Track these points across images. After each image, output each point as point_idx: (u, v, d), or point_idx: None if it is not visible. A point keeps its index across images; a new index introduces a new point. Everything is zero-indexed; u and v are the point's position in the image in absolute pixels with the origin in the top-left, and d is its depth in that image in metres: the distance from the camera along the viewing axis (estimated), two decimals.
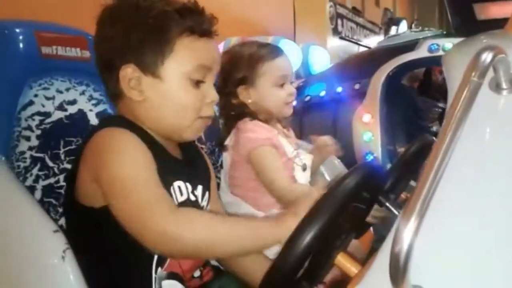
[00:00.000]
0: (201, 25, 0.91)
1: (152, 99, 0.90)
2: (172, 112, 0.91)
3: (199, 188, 1.00)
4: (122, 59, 0.89)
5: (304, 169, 1.41)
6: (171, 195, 0.90)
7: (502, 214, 0.58)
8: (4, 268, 0.84)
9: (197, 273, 0.99)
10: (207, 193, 1.03)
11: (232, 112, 1.39)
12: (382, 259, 0.58)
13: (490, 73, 0.63)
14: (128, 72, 0.88)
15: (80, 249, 0.83)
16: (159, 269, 0.90)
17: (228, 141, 1.39)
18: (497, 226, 0.58)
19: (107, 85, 0.95)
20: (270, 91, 1.37)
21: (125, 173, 0.81)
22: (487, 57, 0.57)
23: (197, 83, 0.92)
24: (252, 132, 1.34)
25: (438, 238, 0.57)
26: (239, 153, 1.34)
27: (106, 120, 0.99)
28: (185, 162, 1.00)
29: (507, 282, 0.55)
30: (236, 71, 1.38)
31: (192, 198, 0.96)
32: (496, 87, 0.65)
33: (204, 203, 1.01)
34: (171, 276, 0.92)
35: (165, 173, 0.88)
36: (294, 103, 1.45)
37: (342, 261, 0.82)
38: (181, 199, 0.93)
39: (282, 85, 1.39)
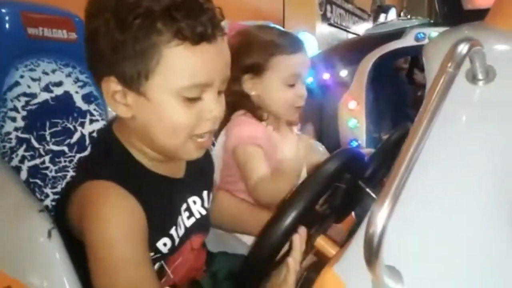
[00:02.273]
0: (194, 29, 0.71)
1: (140, 117, 0.76)
2: (162, 132, 0.77)
3: (206, 195, 0.96)
4: (104, 68, 0.74)
5: None
6: (171, 238, 0.85)
7: (476, 198, 0.61)
8: None
9: None
10: (211, 194, 1.00)
11: (229, 99, 1.29)
12: (358, 241, 0.61)
13: (468, 65, 0.66)
14: (111, 86, 0.74)
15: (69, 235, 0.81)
16: None
17: (220, 136, 1.30)
18: (469, 210, 0.61)
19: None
20: (277, 89, 1.25)
21: (109, 250, 0.73)
22: (463, 48, 0.59)
23: (192, 100, 0.75)
24: (240, 126, 1.24)
25: (412, 220, 0.60)
26: (227, 150, 1.27)
27: (98, 163, 0.82)
28: (189, 176, 0.91)
29: (480, 263, 0.58)
30: (245, 55, 1.23)
31: (203, 212, 0.93)
32: (473, 78, 0.67)
33: (208, 206, 0.98)
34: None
35: (167, 213, 0.84)
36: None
37: (322, 243, 0.85)
38: (181, 232, 0.88)
39: (292, 85, 1.25)
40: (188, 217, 0.90)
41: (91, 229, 0.74)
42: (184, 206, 0.89)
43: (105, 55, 0.72)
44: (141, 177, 0.81)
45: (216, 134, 1.29)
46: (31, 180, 1.03)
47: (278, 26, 1.50)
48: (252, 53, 1.25)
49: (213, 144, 1.30)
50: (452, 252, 0.58)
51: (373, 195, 0.96)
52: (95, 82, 0.81)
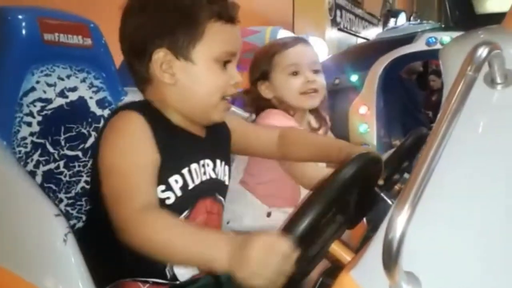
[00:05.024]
0: (227, 11, 0.94)
1: (182, 82, 0.93)
2: (200, 93, 0.94)
3: (220, 164, 1.04)
4: (155, 43, 0.92)
5: None
6: (183, 178, 0.94)
7: (496, 203, 0.60)
8: (8, 252, 0.85)
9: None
10: (227, 167, 1.07)
11: (255, 107, 1.40)
12: (375, 247, 0.61)
13: (486, 68, 0.65)
14: (161, 56, 0.92)
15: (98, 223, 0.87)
16: None
17: None
18: (490, 215, 0.60)
19: (135, 72, 0.97)
20: (284, 81, 1.37)
21: (118, 160, 0.85)
22: (482, 52, 0.59)
23: (224, 65, 0.95)
24: (272, 119, 1.33)
25: (432, 227, 0.59)
26: None
27: (129, 103, 1.01)
28: (208, 139, 1.03)
29: (501, 270, 0.57)
30: (254, 69, 1.41)
31: (213, 175, 1.01)
32: (491, 81, 0.66)
33: (226, 179, 1.06)
34: None
35: (180, 156, 0.94)
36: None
37: (337, 249, 0.85)
38: (197, 181, 0.96)
39: (295, 73, 1.36)
40: (204, 173, 0.99)
41: (109, 149, 0.87)
42: (202, 162, 0.99)
43: (159, 32, 0.91)
44: (164, 122, 0.95)
45: None
46: (45, 184, 1.04)
47: (254, 29, 1.75)
48: (257, 65, 1.41)
49: None
50: (472, 258, 0.58)
51: (389, 201, 0.95)
52: (132, 61, 0.96)
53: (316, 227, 0.76)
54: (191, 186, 0.95)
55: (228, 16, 0.94)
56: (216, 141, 1.06)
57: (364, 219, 1.42)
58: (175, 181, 0.93)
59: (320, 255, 0.85)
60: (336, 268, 0.81)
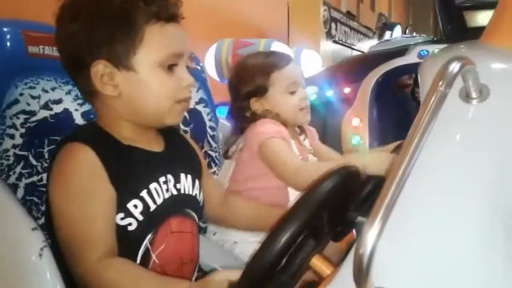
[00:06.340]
0: (166, 10, 0.89)
1: (127, 93, 0.89)
2: (149, 101, 0.90)
3: (184, 177, 0.99)
4: (92, 55, 0.86)
5: None
6: (143, 201, 0.90)
7: (470, 216, 0.60)
8: None
9: None
10: (197, 181, 1.03)
11: (246, 122, 1.39)
12: (348, 262, 0.60)
13: (461, 83, 0.66)
14: (100, 68, 0.87)
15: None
16: None
17: (234, 147, 1.39)
18: (463, 228, 0.60)
19: (78, 85, 0.94)
20: (282, 99, 1.38)
21: (69, 207, 0.83)
22: (454, 67, 0.59)
23: (170, 68, 0.90)
24: (262, 127, 1.34)
25: (404, 241, 0.59)
26: (250, 150, 1.34)
27: (75, 132, 0.99)
28: (167, 153, 0.99)
29: (475, 282, 0.57)
30: (245, 85, 1.39)
31: (176, 191, 0.96)
32: (466, 96, 0.66)
33: (195, 192, 1.01)
34: None
35: (137, 179, 0.89)
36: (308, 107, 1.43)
37: (317, 263, 0.84)
38: (159, 201, 0.92)
39: (293, 92, 1.39)
40: (166, 190, 0.94)
41: (58, 188, 0.85)
42: (162, 178, 0.94)
43: (95, 43, 0.86)
44: (114, 146, 0.90)
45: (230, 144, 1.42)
46: (27, 197, 1.03)
47: (249, 41, 1.76)
48: (252, 79, 1.39)
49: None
50: (445, 271, 0.57)
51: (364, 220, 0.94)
52: (74, 75, 0.93)
53: (279, 261, 0.76)
54: (152, 207, 0.91)
55: (168, 15, 0.89)
56: (178, 154, 1.02)
57: (354, 232, 1.41)
58: (134, 206, 0.89)
59: (298, 274, 0.84)
60: (314, 283, 0.80)
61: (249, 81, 1.39)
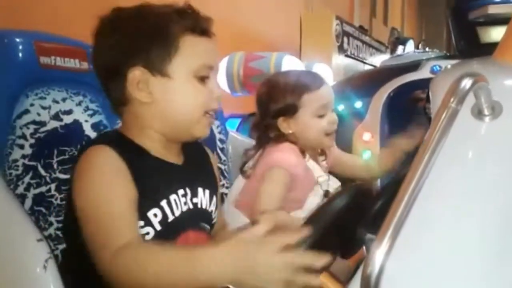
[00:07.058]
0: (200, 25, 0.93)
1: (160, 99, 0.92)
2: (181, 109, 0.93)
3: (202, 192, 1.00)
4: (129, 63, 0.90)
5: (326, 196, 1.38)
6: (162, 211, 0.90)
7: (480, 236, 0.59)
8: None
9: None
10: (214, 197, 1.03)
11: (268, 140, 1.36)
12: (357, 280, 0.59)
13: (473, 100, 0.64)
14: (137, 75, 0.90)
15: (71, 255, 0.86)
16: None
17: (251, 163, 1.37)
18: (473, 249, 0.58)
19: (111, 94, 0.96)
20: (311, 121, 1.35)
21: (92, 203, 0.82)
22: (466, 83, 0.58)
23: (203, 79, 0.94)
24: (280, 151, 1.32)
25: (412, 260, 0.58)
26: (261, 170, 1.32)
27: (100, 136, 1.00)
28: (186, 166, 1.00)
29: None
30: (277, 101, 1.35)
31: (191, 206, 0.96)
32: (478, 113, 0.65)
33: (212, 208, 1.02)
34: None
35: (158, 188, 0.90)
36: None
37: (324, 281, 0.82)
38: (177, 213, 0.93)
39: (323, 115, 1.36)
40: (184, 203, 0.95)
41: (82, 186, 0.84)
42: (180, 191, 0.95)
43: (133, 51, 0.90)
44: (138, 153, 0.92)
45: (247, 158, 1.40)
46: (35, 208, 1.03)
47: (261, 54, 1.71)
48: (283, 97, 1.35)
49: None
50: None
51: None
52: (107, 83, 0.95)
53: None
54: (171, 218, 0.92)
55: (201, 29, 0.93)
56: (196, 168, 1.02)
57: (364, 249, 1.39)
58: (153, 215, 0.89)
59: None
60: None
61: (280, 100, 1.35)
